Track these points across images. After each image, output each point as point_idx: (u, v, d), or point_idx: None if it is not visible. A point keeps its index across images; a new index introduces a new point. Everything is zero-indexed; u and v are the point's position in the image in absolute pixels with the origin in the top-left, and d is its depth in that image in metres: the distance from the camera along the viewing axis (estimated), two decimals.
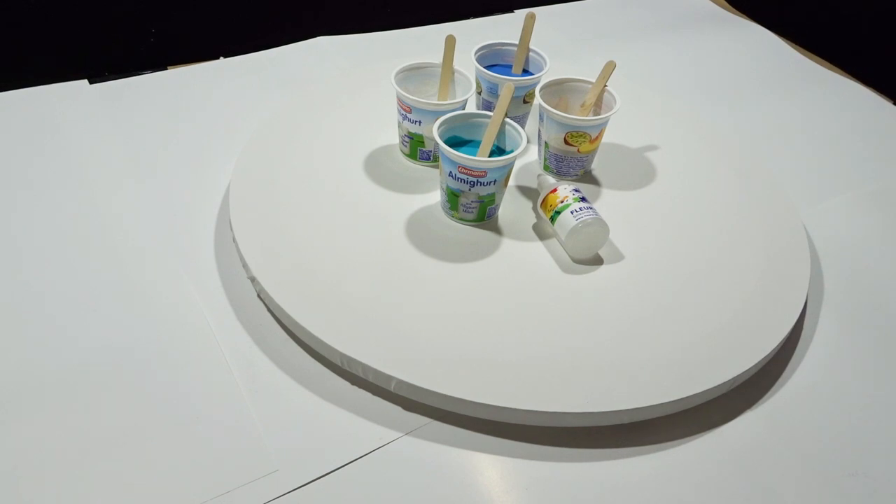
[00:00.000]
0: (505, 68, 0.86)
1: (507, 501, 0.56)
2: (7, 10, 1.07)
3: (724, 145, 0.91)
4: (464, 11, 1.22)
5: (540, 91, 0.80)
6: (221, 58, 1.05)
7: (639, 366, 0.62)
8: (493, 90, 0.83)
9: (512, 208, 0.78)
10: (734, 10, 1.33)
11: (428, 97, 0.81)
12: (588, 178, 0.84)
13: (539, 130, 0.82)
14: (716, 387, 0.62)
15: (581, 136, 0.78)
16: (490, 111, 0.76)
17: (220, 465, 0.55)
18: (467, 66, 0.82)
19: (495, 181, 0.72)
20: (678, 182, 0.84)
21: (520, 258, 0.73)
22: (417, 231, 0.74)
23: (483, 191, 0.72)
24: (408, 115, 0.79)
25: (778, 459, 0.60)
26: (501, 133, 0.74)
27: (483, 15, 1.23)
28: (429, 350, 0.62)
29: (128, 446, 0.56)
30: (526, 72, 0.86)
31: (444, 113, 0.74)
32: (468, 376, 0.60)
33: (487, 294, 0.68)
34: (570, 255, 0.73)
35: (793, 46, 1.22)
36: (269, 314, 0.68)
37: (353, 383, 0.63)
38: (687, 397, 0.61)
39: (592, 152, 0.82)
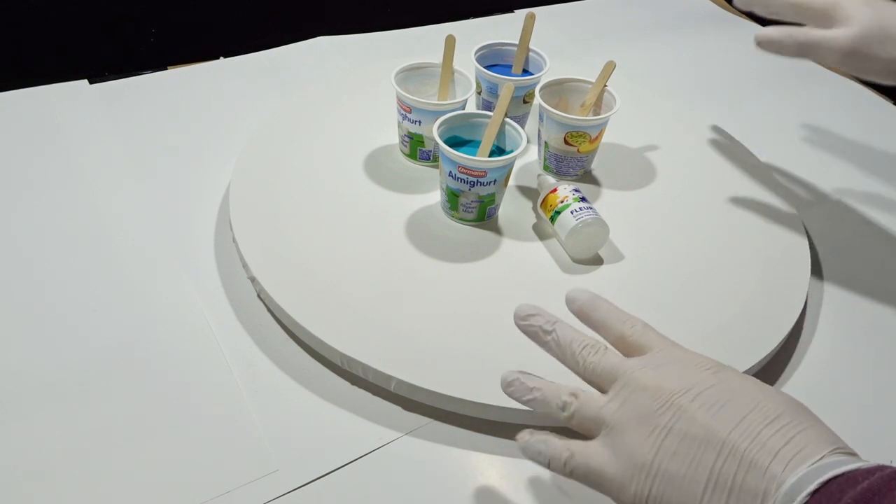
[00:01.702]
0: (505, 68, 0.86)
1: (507, 501, 0.55)
2: (7, 10, 1.07)
3: (724, 145, 0.91)
4: (464, 11, 1.22)
5: (540, 91, 0.80)
6: (221, 58, 1.04)
7: None
8: (493, 90, 0.83)
9: (512, 208, 0.78)
10: (734, 10, 1.33)
11: (428, 97, 0.81)
12: (588, 178, 0.84)
13: (539, 130, 0.82)
14: None
15: (581, 136, 0.78)
16: (490, 111, 0.76)
17: (220, 465, 0.55)
18: (467, 66, 0.82)
19: (495, 181, 0.72)
20: (678, 182, 0.84)
21: (520, 258, 0.73)
22: (417, 231, 0.74)
23: (483, 191, 0.72)
24: (408, 115, 0.79)
25: None
26: (501, 133, 0.74)
27: (483, 15, 1.22)
28: (429, 350, 0.62)
29: (128, 446, 0.56)
30: (526, 72, 0.86)
31: (443, 113, 0.74)
32: (468, 376, 0.60)
33: (487, 294, 0.68)
34: (570, 255, 0.73)
35: None
36: (269, 314, 0.68)
37: (353, 383, 0.63)
38: None
39: (592, 152, 0.82)
